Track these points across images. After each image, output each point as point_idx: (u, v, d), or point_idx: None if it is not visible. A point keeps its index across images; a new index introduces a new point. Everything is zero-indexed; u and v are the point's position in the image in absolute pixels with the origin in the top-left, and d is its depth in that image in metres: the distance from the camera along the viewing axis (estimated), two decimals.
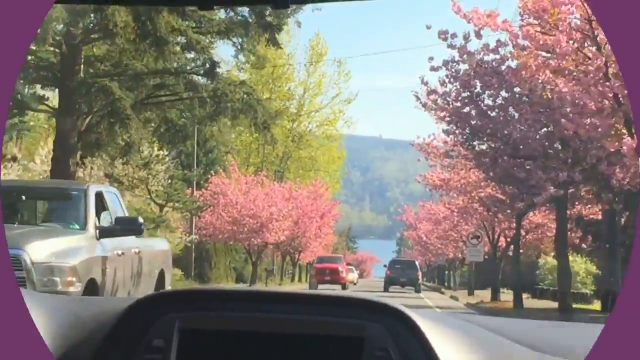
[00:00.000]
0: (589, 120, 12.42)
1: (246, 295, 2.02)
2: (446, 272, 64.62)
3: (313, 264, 51.00)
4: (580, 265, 48.22)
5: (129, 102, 27.07)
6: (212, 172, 46.14)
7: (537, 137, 17.96)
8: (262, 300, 1.98)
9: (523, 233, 31.48)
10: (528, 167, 18.32)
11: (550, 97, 14.61)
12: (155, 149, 39.49)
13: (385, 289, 48.11)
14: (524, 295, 43.30)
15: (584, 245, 51.93)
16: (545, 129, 18.14)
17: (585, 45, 11.76)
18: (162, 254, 14.30)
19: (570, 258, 49.38)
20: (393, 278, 49.51)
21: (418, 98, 20.57)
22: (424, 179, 31.63)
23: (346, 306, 1.94)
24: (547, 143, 17.99)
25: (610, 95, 11.56)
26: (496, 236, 33.55)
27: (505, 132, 18.63)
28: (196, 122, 30.71)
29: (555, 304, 31.25)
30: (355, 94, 72.49)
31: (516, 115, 18.45)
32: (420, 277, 52.23)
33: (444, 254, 52.66)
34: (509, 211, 28.61)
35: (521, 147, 18.17)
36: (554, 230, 31.37)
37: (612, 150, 13.31)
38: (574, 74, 11.86)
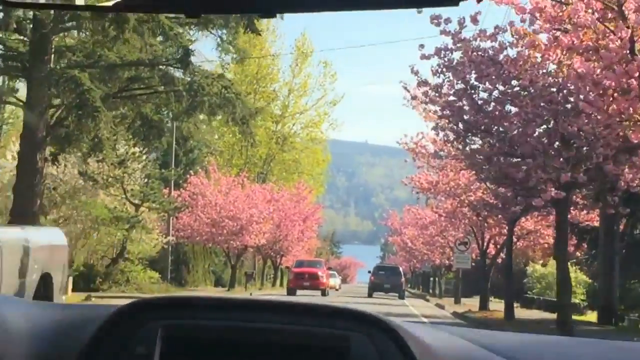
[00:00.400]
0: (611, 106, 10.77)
1: (230, 304, 2.02)
2: (431, 278, 63.06)
3: (291, 268, 47.95)
4: (571, 275, 46.88)
5: (99, 94, 25.36)
6: (191, 171, 44.40)
7: (537, 134, 16.27)
8: (246, 308, 1.99)
9: (514, 239, 29.93)
10: (525, 167, 16.61)
11: (565, 74, 12.91)
12: (133, 146, 37.80)
13: (369, 295, 47.75)
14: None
15: (578, 254, 50.56)
16: (545, 126, 16.48)
17: (608, 16, 10.15)
18: (51, 251, 10.99)
19: None
20: (377, 284, 49.09)
21: (407, 89, 18.87)
22: (410, 181, 29.94)
23: (330, 316, 1.95)
24: (547, 141, 16.32)
25: (637, 74, 9.94)
26: (485, 242, 31.87)
27: (502, 128, 16.96)
28: (172, 117, 28.83)
29: (546, 315, 29.71)
30: (341, 96, 70.81)
31: (514, 109, 16.76)
32: (404, 283, 51.85)
33: (429, 260, 51.03)
34: (499, 216, 27.01)
35: (518, 145, 16.49)
36: (547, 237, 29.89)
37: (637, 142, 11.69)
38: (591, 51, 10.25)
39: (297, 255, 63.11)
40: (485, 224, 29.54)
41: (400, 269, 53.47)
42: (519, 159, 16.89)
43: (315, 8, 1.67)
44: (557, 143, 16.62)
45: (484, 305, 30.57)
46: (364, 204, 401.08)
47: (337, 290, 60.09)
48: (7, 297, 2.18)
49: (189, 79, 26.42)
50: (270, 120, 71.01)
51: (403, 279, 51.21)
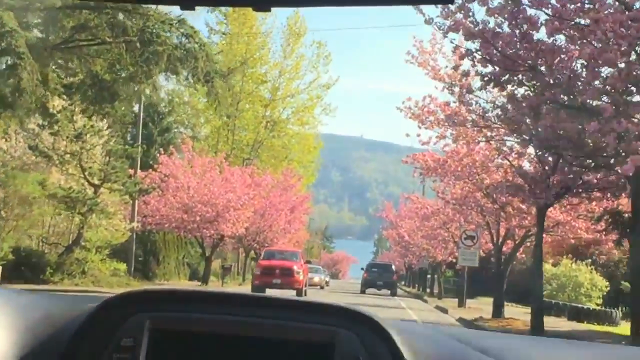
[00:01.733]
0: None
1: (218, 298, 2.03)
2: (428, 276, 57.63)
3: (258, 260, 38.24)
4: (585, 275, 41.56)
5: (25, 38, 19.85)
6: (160, 149, 38.80)
7: (617, 77, 10.67)
8: (233, 303, 1.99)
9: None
10: (594, 122, 11.04)
11: None
12: (89, 118, 32.29)
13: (362, 291, 48.41)
14: (521, 309, 36.28)
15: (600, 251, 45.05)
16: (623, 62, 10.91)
17: None
18: None
19: (574, 266, 42.76)
20: (370, 281, 49.77)
21: (421, 12, 13.29)
22: (413, 160, 24.30)
23: (318, 312, 1.96)
24: (635, 89, 10.81)
25: None
26: (500, 236, 26.29)
27: (559, 68, 11.44)
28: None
29: (579, 325, 24.28)
30: (335, 80, 65.21)
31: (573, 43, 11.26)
32: (396, 280, 52.61)
33: (428, 256, 45.56)
34: (523, 203, 21.51)
35: (582, 89, 11.00)
36: (579, 231, 24.40)
37: None
38: None
39: (284, 248, 57.59)
40: (503, 214, 23.95)
41: (393, 266, 54.19)
42: (582, 111, 11.34)
43: (311, 2, 1.68)
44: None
45: (498, 312, 25.07)
46: (358, 199, 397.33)
47: (321, 288, 53.38)
48: None
49: (141, 23, 20.91)
50: (260, 104, 65.76)
51: (395, 276, 51.94)
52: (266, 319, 1.93)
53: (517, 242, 25.33)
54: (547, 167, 18.24)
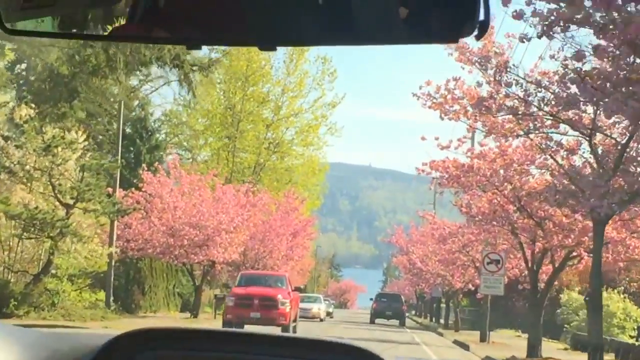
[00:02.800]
0: None
1: (225, 336, 2.07)
2: (442, 305, 53.09)
3: (231, 287, 31.02)
4: (617, 305, 37.19)
5: None
6: (143, 166, 34.51)
7: None
8: (240, 341, 2.01)
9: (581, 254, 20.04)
10: None
11: None
12: (77, 132, 28.50)
13: (372, 321, 48.69)
14: (555, 345, 31.74)
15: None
16: None
17: None
18: None
19: (604, 295, 38.34)
20: (379, 311, 50.02)
21: None
22: (430, 168, 19.90)
23: (325, 350, 1.95)
24: None
25: None
26: (535, 259, 21.73)
27: None
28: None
29: None
30: (341, 97, 60.98)
31: None
32: (405, 310, 53.12)
33: (443, 284, 41.14)
34: (565, 219, 17.13)
35: None
36: (636, 250, 19.94)
37: None
38: None
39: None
40: (539, 231, 19.52)
41: (402, 296, 55.03)
42: None
43: (315, 43, 1.82)
44: None
45: (534, 350, 20.57)
46: (367, 227, 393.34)
47: (321, 320, 46.95)
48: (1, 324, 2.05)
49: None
50: (261, 124, 61.76)
51: (404, 307, 52.65)
52: (272, 357, 1.92)
53: (556, 265, 20.84)
54: (603, 168, 13.96)
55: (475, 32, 1.66)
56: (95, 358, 1.92)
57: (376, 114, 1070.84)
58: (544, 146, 15.14)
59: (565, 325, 37.50)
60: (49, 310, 28.18)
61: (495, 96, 13.81)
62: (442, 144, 19.57)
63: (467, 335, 34.38)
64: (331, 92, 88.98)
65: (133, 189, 33.01)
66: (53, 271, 29.43)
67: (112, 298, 31.35)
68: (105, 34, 1.81)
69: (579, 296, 39.91)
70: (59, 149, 28.22)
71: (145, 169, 33.36)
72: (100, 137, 41.81)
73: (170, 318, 33.13)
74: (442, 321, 51.15)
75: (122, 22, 1.80)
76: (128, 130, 42.47)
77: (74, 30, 1.99)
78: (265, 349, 1.94)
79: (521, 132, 15.04)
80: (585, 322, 36.89)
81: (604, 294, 38.05)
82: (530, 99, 13.40)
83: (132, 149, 41.01)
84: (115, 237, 30.84)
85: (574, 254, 19.99)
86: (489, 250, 26.53)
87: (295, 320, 27.23)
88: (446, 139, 22.29)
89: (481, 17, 1.65)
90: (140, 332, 2.00)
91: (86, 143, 29.72)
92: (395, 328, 42.79)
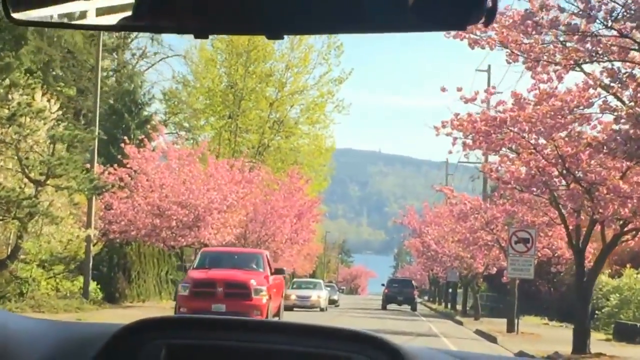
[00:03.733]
0: None
1: (233, 324, 2.02)
2: (459, 290, 49.47)
3: (188, 269, 23.65)
4: None
5: None
6: (124, 138, 30.77)
7: None
8: (248, 329, 1.98)
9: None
10: None
11: None
12: (49, 100, 25.15)
13: (384, 307, 48.75)
14: (596, 335, 27.93)
15: None
16: None
17: None
18: None
19: (639, 277, 34.47)
20: (391, 296, 50.11)
21: None
22: (451, 124, 16.04)
23: (332, 337, 1.92)
24: None
25: None
26: (579, 234, 17.82)
27: None
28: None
29: None
30: (348, 72, 57.12)
31: None
32: (416, 295, 53.47)
33: (462, 267, 37.35)
34: (623, 183, 13.32)
35: None
36: None
37: None
38: None
39: (291, 261, 49.44)
40: (586, 202, 15.70)
41: (413, 282, 55.35)
42: None
43: (321, 31, 1.76)
44: None
45: (580, 344, 16.76)
46: (377, 213, 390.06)
47: (322, 310, 39.75)
48: (10, 315, 2.09)
49: None
50: (264, 103, 58.22)
51: (415, 291, 53.14)
52: (280, 345, 1.90)
53: (604, 246, 16.99)
54: None
55: (483, 19, 1.66)
56: (105, 347, 1.90)
57: (384, 99, 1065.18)
58: (609, 81, 11.36)
59: (597, 312, 33.81)
60: (17, 301, 24.78)
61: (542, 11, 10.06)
62: (467, 97, 15.82)
63: (489, 324, 30.68)
64: (338, 68, 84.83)
65: (116, 165, 29.39)
66: (22, 256, 25.91)
67: (90, 287, 27.73)
68: (113, 24, 1.79)
69: (609, 279, 36.16)
70: (27, 118, 24.56)
71: (128, 142, 29.63)
72: (90, 113, 38.30)
73: (158, 307, 29.43)
74: (458, 307, 47.43)
75: (128, 11, 1.79)
76: (118, 105, 38.92)
77: (80, 20, 1.91)
78: (278, 337, 1.91)
79: (583, 61, 11.21)
80: (619, 308, 33.25)
81: (639, 277, 34.43)
82: (592, 13, 9.71)
83: (120, 124, 37.41)
84: (94, 218, 27.18)
85: (630, 227, 16.24)
86: (517, 227, 22.81)
87: (278, 313, 21.54)
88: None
89: (489, 3, 1.64)
90: (149, 321, 2.00)
91: (59, 113, 26.12)
92: (409, 316, 39.23)
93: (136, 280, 32.22)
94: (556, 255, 26.00)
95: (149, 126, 35.44)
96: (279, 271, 22.27)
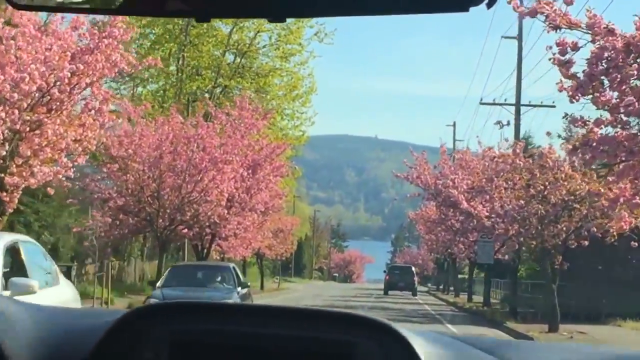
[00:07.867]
0: None
1: (238, 310, 1.97)
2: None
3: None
4: None
5: None
6: None
7: None
8: (254, 314, 1.93)
9: None
10: None
11: None
12: None
13: (385, 293, 50.18)
14: None
15: None
16: None
17: None
18: None
19: None
20: (392, 283, 51.54)
21: None
22: None
23: (339, 322, 1.86)
24: None
25: None
26: None
27: None
28: None
29: None
30: None
31: None
32: (416, 282, 55.00)
33: (517, 239, 21.94)
34: None
35: None
36: None
37: None
38: None
39: (249, 241, 34.00)
40: None
41: (413, 268, 56.51)
42: None
43: (324, 13, 1.72)
44: None
45: None
46: (374, 199, 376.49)
47: None
48: (15, 301, 2.02)
49: None
50: (221, 31, 42.89)
51: (416, 278, 54.79)
52: (286, 330, 1.85)
53: None
54: None
55: (486, 1, 1.63)
56: (108, 333, 1.84)
57: (380, 85, 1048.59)
58: None
59: None
60: None
61: None
62: None
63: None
64: None
65: None
66: None
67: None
68: (114, 7, 1.77)
69: None
70: None
71: None
72: None
73: None
74: (475, 298, 32.21)
75: None
76: None
77: (83, 4, 1.89)
78: (285, 323, 1.86)
79: None
80: None
81: None
82: None
83: None
84: None
85: None
86: None
87: None
88: None
89: None
90: (154, 307, 1.97)
91: None
92: (422, 319, 24.28)
93: None
94: None
95: None
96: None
